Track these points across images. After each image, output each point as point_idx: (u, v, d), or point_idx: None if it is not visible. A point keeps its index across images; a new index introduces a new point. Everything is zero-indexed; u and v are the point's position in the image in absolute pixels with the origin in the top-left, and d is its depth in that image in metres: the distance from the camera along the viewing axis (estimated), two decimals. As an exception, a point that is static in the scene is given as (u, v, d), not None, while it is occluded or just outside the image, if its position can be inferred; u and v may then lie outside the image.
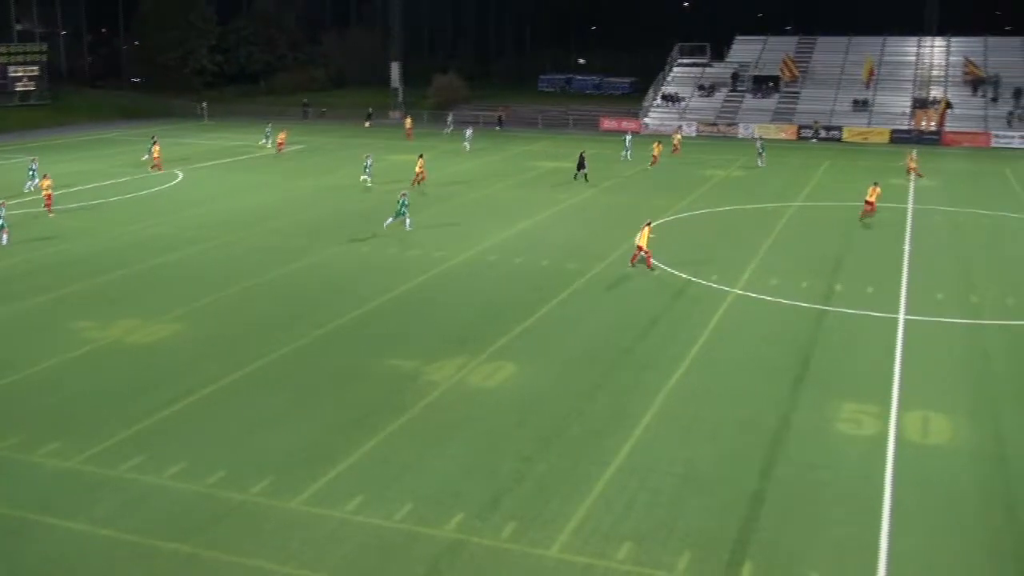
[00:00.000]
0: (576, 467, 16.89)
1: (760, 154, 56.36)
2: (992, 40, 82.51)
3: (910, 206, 43.17)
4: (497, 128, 78.87)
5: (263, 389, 20.58)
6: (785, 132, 73.32)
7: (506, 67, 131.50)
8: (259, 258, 32.23)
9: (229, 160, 57.62)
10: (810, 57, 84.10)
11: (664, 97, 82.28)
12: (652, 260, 30.62)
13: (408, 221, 35.93)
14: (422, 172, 46.12)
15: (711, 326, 25.12)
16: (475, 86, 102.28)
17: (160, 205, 42.08)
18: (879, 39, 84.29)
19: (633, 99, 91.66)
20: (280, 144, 60.53)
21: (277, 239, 35.19)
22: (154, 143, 52.96)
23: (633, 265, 30.52)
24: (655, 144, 56.65)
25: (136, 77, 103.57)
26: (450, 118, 76.05)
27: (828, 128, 72.89)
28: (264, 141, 63.71)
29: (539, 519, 15.04)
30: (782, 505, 15.67)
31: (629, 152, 57.41)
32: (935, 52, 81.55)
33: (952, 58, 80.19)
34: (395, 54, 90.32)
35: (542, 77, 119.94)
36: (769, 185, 49.36)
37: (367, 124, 79.34)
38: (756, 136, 60.26)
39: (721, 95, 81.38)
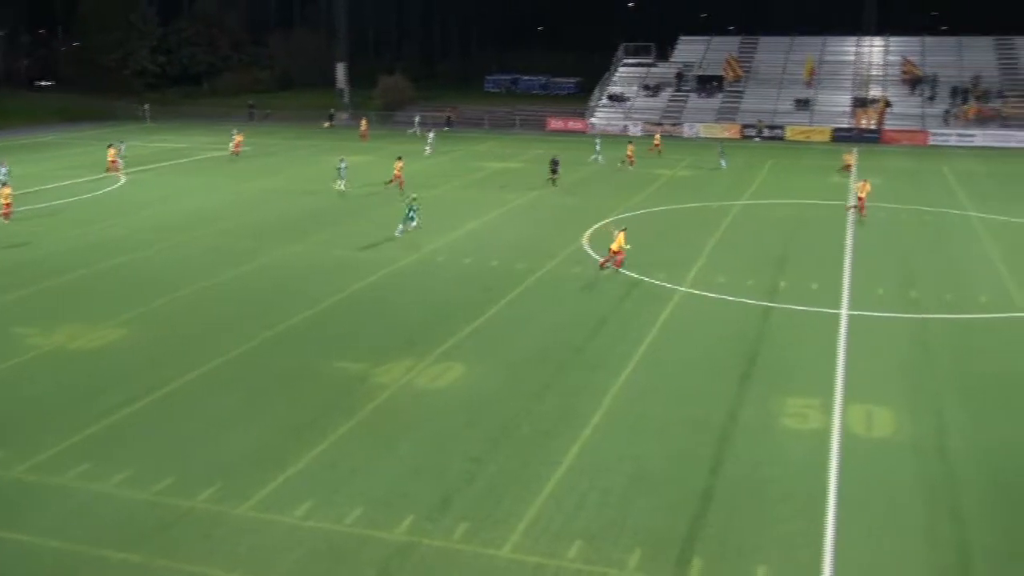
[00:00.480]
0: (526, 467, 16.91)
1: (722, 156, 56.74)
2: (929, 40, 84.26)
3: (851, 203, 43.84)
4: (446, 128, 78.73)
5: (212, 393, 20.32)
6: (729, 131, 74.11)
7: (452, 68, 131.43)
8: (208, 260, 31.84)
9: (174, 162, 56.83)
10: (753, 57, 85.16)
11: (610, 97, 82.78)
12: (618, 262, 30.15)
13: (401, 226, 35.18)
14: (400, 175, 45.12)
15: (659, 324, 25.31)
16: (421, 87, 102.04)
17: (105, 209, 41.34)
18: (820, 39, 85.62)
19: (579, 99, 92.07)
20: (236, 147, 59.41)
21: (226, 241, 34.79)
22: (110, 147, 51.97)
23: (603, 268, 30.30)
24: (628, 145, 56.87)
25: (75, 79, 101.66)
26: (417, 119, 75.61)
27: (771, 127, 73.83)
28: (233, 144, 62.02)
29: (490, 519, 15.04)
30: (730, 501, 15.83)
31: (600, 156, 57.04)
32: (874, 52, 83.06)
33: (890, 57, 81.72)
34: (340, 55, 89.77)
35: (488, 78, 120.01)
36: (714, 184, 49.88)
37: (327, 125, 78.66)
38: (719, 143, 60.75)
39: (666, 95, 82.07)
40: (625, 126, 76.05)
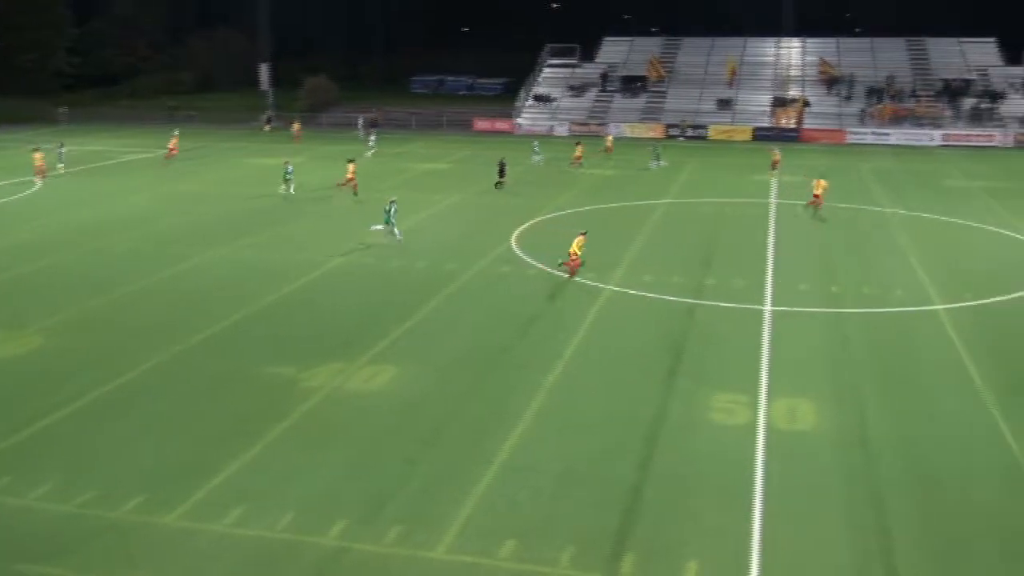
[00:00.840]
0: (459, 467, 16.90)
1: (657, 157, 57.28)
2: (844, 41, 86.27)
3: (773, 201, 44.77)
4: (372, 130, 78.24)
5: (137, 400, 19.89)
6: (653, 131, 74.98)
7: (377, 69, 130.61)
8: (133, 264, 31.17)
9: (96, 165, 55.48)
10: (675, 58, 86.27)
11: (536, 97, 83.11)
12: (574, 268, 29.67)
13: (397, 231, 34.30)
14: (353, 178, 44.20)
15: (588, 323, 25.51)
16: (346, 88, 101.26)
17: (20, 213, 40.20)
18: (740, 40, 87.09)
19: (505, 100, 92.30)
20: (173, 149, 57.85)
21: (152, 245, 34.09)
22: (36, 151, 50.25)
23: (572, 276, 29.67)
24: (576, 144, 57.00)
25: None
26: (361, 121, 74.79)
27: (694, 127, 74.89)
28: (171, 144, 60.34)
29: (423, 521, 15.00)
30: (660, 497, 16.02)
31: (539, 156, 57.15)
32: (792, 52, 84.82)
33: (808, 58, 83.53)
34: (264, 56, 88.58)
35: (414, 78, 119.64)
36: (640, 183, 50.42)
37: (267, 128, 77.38)
38: (654, 145, 61.27)
39: (591, 95, 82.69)
40: (551, 127, 76.46)
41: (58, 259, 32.02)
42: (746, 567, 13.92)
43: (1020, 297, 28.17)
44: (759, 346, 23.69)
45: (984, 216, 40.85)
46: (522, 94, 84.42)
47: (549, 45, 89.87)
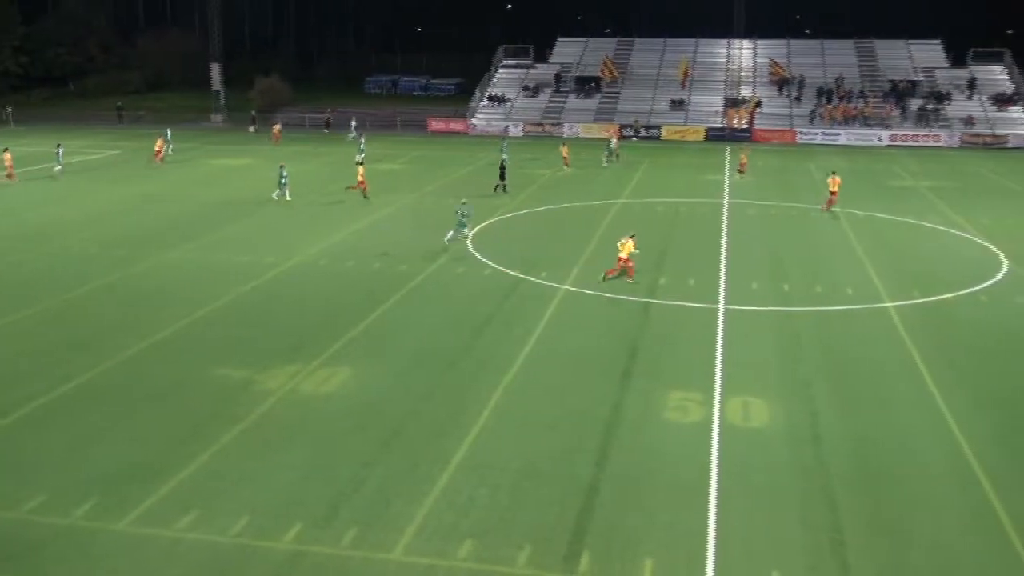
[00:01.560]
0: (416, 468, 16.83)
1: (611, 154, 57.38)
2: (794, 43, 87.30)
3: (725, 200, 45.18)
4: (325, 131, 77.76)
5: (87, 406, 19.55)
6: (608, 131, 75.30)
7: (330, 69, 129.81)
8: (81, 267, 30.66)
9: (44, 167, 54.42)
10: (629, 58, 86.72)
11: (490, 98, 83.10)
12: (629, 271, 29.25)
13: (467, 231, 34.65)
14: (363, 181, 43.86)
15: (543, 323, 25.54)
16: (299, 88, 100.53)
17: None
18: (692, 41, 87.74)
19: (460, 100, 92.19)
20: (158, 152, 56.77)
21: (101, 248, 33.55)
22: (4, 151, 49.07)
23: (606, 279, 29.30)
24: (562, 146, 56.99)
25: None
26: (353, 122, 74.03)
27: (648, 127, 75.34)
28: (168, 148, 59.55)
29: (380, 523, 14.92)
30: (616, 494, 16.08)
31: (506, 156, 56.23)
32: (743, 53, 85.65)
33: (759, 59, 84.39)
34: (215, 56, 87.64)
35: (368, 79, 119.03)
36: (594, 183, 50.61)
37: (252, 129, 76.38)
38: (611, 140, 61.24)
39: (545, 96, 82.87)
40: (506, 127, 76.45)
41: (8, 261, 31.40)
42: (702, 563, 14.03)
43: (967, 294, 28.70)
44: (713, 344, 23.88)
45: (931, 215, 41.56)
46: (477, 94, 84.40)
47: (503, 46, 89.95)
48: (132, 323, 24.92)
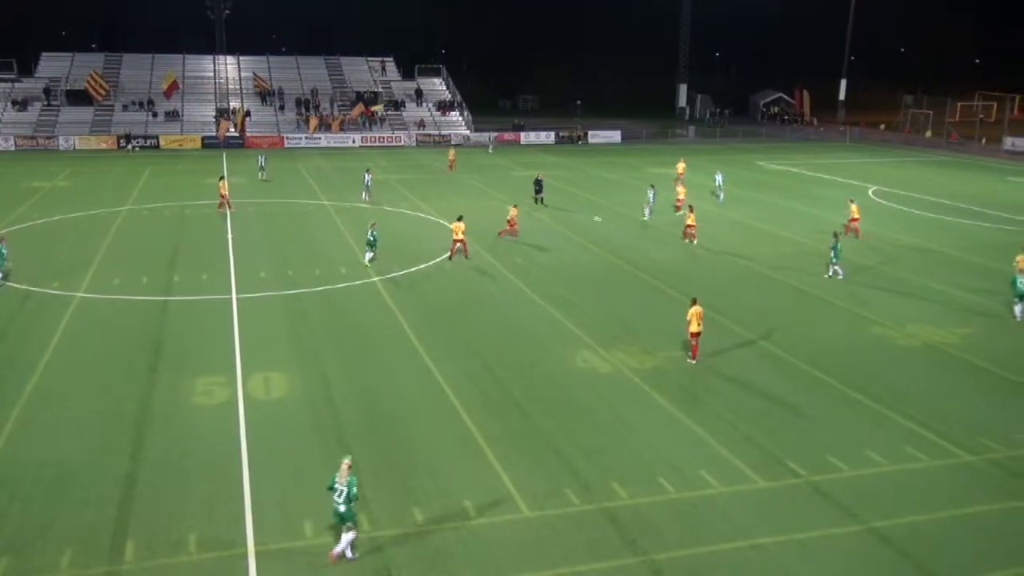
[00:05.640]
0: (-67, 498, 14.33)
1: (262, 168, 52.26)
2: (274, 58, 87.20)
3: (227, 200, 43.93)
4: None
5: None
6: (105, 143, 69.34)
7: None
8: None
9: None
10: (119, 72, 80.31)
11: (-26, 113, 71.93)
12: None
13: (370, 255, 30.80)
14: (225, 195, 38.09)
15: (61, 331, 23.00)
16: None
17: None
18: (180, 56, 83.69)
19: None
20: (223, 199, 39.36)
21: None
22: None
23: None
24: (451, 149, 53.40)
25: None
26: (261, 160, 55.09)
27: (146, 137, 70.61)
28: (364, 195, 45.53)
29: None
30: (154, 481, 15.14)
31: (265, 172, 50.90)
32: (228, 68, 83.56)
33: (244, 73, 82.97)
34: None
35: None
36: (97, 193, 46.34)
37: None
38: (261, 155, 55.32)
39: (36, 109, 73.83)
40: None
41: None
42: (241, 527, 13.76)
43: (433, 264, 31.12)
44: (230, 331, 23.31)
45: (401, 203, 44.22)
46: (-42, 109, 72.54)
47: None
48: None
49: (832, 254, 29.28)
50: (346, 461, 13.22)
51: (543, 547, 13.42)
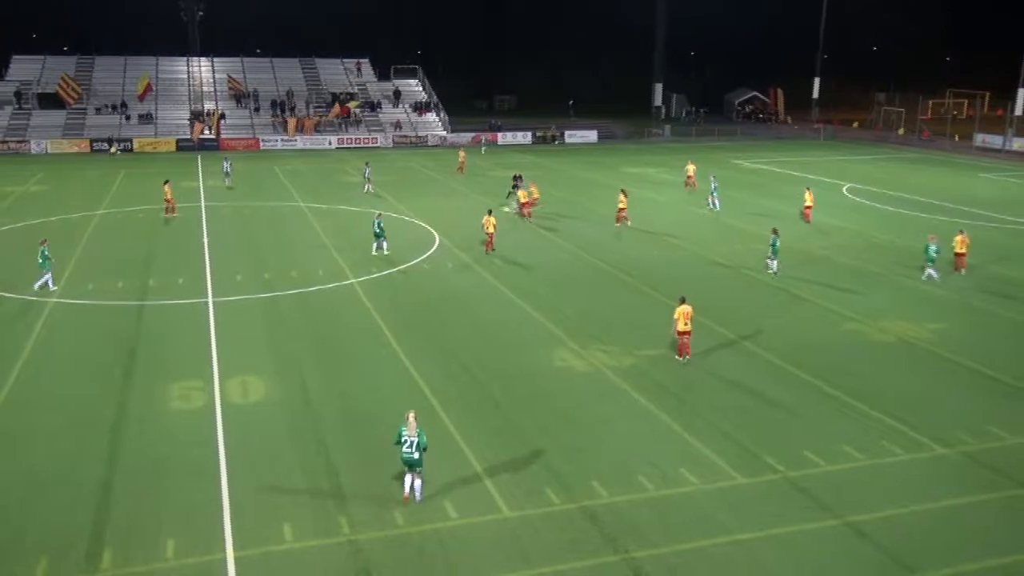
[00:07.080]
0: (-95, 508, 14.12)
1: (227, 174, 51.62)
2: (248, 60, 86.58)
3: (203, 204, 43.70)
4: None
5: None
6: (79, 146, 68.61)
7: None
8: None
9: None
10: (91, 75, 79.48)
11: (-57, 117, 70.94)
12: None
13: (384, 244, 32.49)
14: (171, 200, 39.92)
15: (34, 338, 22.74)
16: None
17: None
18: (153, 59, 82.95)
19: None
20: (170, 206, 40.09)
21: None
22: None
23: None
24: (460, 151, 53.78)
25: None
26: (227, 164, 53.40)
27: (121, 140, 69.92)
28: (366, 187, 48.26)
29: None
30: (132, 488, 15.00)
31: (230, 178, 50.83)
32: (203, 70, 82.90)
33: (218, 75, 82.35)
34: None
35: None
36: (70, 197, 45.86)
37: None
38: (226, 160, 54.50)
39: (7, 113, 72.90)
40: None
41: None
42: (220, 532, 13.66)
43: (413, 264, 31.05)
44: (207, 335, 23.15)
45: (378, 204, 44.05)
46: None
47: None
48: None
49: (771, 250, 29.62)
50: (412, 413, 14.61)
51: (523, 547, 13.43)
